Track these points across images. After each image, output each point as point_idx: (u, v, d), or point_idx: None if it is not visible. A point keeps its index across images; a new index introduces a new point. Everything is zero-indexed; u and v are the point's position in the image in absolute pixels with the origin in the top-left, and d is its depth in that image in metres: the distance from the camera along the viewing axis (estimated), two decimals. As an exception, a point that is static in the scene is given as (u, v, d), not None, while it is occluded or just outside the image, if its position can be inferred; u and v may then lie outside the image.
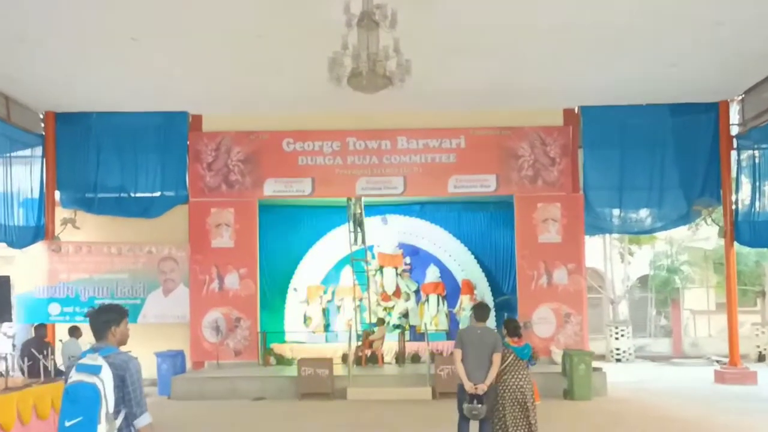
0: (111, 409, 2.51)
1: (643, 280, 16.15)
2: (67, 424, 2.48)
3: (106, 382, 2.51)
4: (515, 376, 5.28)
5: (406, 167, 10.57)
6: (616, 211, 10.75)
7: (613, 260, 14.87)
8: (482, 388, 5.10)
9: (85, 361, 2.60)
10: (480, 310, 5.35)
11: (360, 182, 10.57)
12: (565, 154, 10.56)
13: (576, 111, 10.66)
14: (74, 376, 2.56)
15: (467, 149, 10.53)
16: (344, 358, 9.88)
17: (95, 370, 2.52)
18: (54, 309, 10.16)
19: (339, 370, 9.32)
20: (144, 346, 9.39)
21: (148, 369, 9.42)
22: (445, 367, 8.73)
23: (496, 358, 5.14)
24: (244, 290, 10.52)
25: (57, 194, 10.52)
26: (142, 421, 2.65)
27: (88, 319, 2.77)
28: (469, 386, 5.13)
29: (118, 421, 2.57)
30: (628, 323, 14.28)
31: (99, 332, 2.72)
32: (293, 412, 8.28)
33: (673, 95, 10.19)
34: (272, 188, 10.57)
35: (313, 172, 10.53)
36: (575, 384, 8.98)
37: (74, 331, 7.78)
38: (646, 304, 15.92)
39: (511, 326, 5.48)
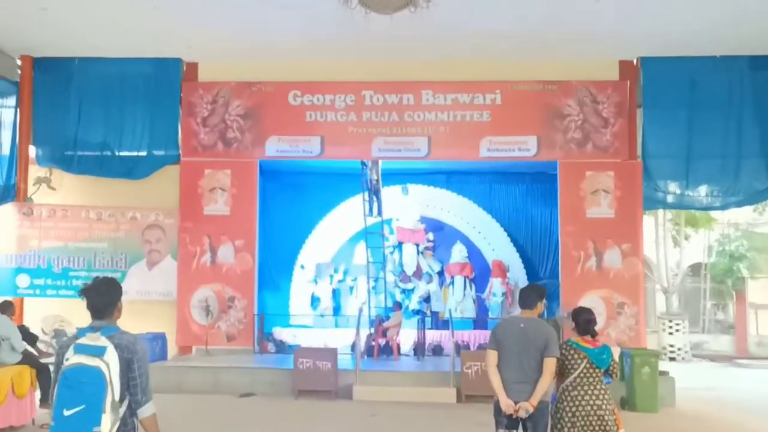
0: (117, 397, 2.37)
1: (695, 269, 14.98)
2: (66, 413, 2.31)
3: (111, 365, 2.36)
4: (590, 394, 3.83)
5: (430, 126, 9.63)
6: (680, 183, 9.61)
7: (666, 244, 13.54)
8: (527, 408, 3.60)
9: (84, 341, 2.41)
10: (528, 294, 3.87)
11: (377, 142, 9.65)
12: (621, 114, 9.51)
13: (635, 63, 9.64)
14: (73, 359, 2.38)
15: (504, 106, 9.58)
16: (354, 348, 9.00)
17: (98, 352, 2.36)
18: (22, 281, 9.42)
19: (346, 362, 8.30)
20: (124, 327, 8.71)
21: None
22: (474, 363, 7.73)
23: (550, 363, 3.65)
24: (240, 265, 9.67)
25: (31, 150, 9.82)
26: (147, 411, 2.51)
27: (84, 296, 2.54)
28: (507, 404, 3.63)
29: (122, 410, 2.43)
30: (683, 316, 12.93)
31: (104, 310, 2.54)
32: (285, 413, 7.28)
33: (754, 45, 9.11)
34: (275, 148, 9.73)
35: (323, 130, 9.68)
36: (637, 392, 7.72)
37: (6, 308, 6.71)
38: (698, 296, 14.55)
39: (581, 318, 4.00)
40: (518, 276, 10.93)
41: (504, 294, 10.65)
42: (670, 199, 9.83)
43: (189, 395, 7.95)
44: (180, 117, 9.76)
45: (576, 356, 3.86)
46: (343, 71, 9.67)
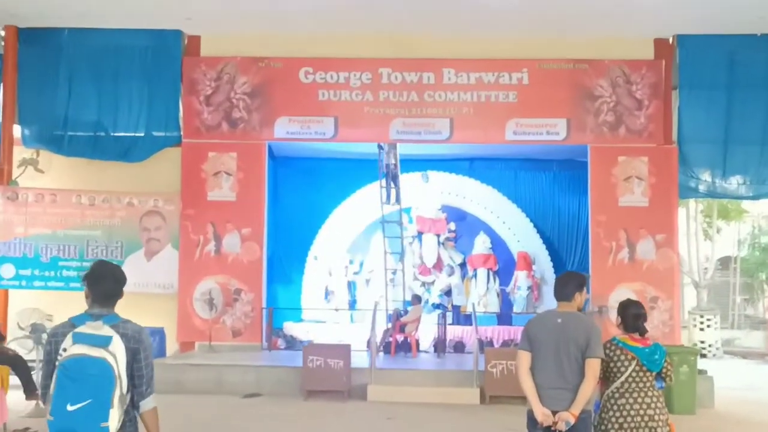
0: (125, 390, 2.35)
1: (724, 262, 15.13)
2: (70, 408, 2.25)
3: (119, 357, 2.32)
4: (639, 401, 3.48)
5: (453, 107, 9.53)
6: (717, 171, 9.52)
7: (697, 236, 13.66)
8: (567, 419, 3.24)
9: (84, 330, 2.36)
10: (565, 283, 3.48)
11: (395, 124, 9.53)
12: (656, 95, 9.43)
13: (671, 41, 9.55)
14: (73, 349, 2.32)
15: (531, 86, 9.49)
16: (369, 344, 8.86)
17: (103, 342, 2.31)
18: (7, 271, 9.17)
19: (361, 360, 8.15)
20: None
21: None
22: (499, 362, 7.62)
23: (593, 365, 3.29)
24: (247, 255, 9.54)
25: (16, 130, 9.55)
26: (149, 403, 2.50)
27: (87, 282, 2.51)
28: (543, 415, 3.27)
29: (126, 404, 2.40)
30: (715, 311, 12.83)
31: (109, 297, 2.51)
32: (292, 415, 7.12)
33: (798, 23, 9.05)
34: (285, 129, 9.60)
35: (337, 110, 9.56)
36: (674, 392, 7.58)
37: None
38: (727, 290, 14.47)
39: (629, 312, 3.62)
40: (544, 268, 10.96)
41: (529, 287, 10.66)
42: (705, 187, 9.74)
43: (189, 395, 7.77)
44: (181, 95, 9.58)
45: (623, 357, 3.53)
46: (359, 47, 9.54)
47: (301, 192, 11.19)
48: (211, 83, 9.56)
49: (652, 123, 9.36)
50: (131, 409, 2.46)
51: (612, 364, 3.52)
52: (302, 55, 9.55)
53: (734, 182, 9.56)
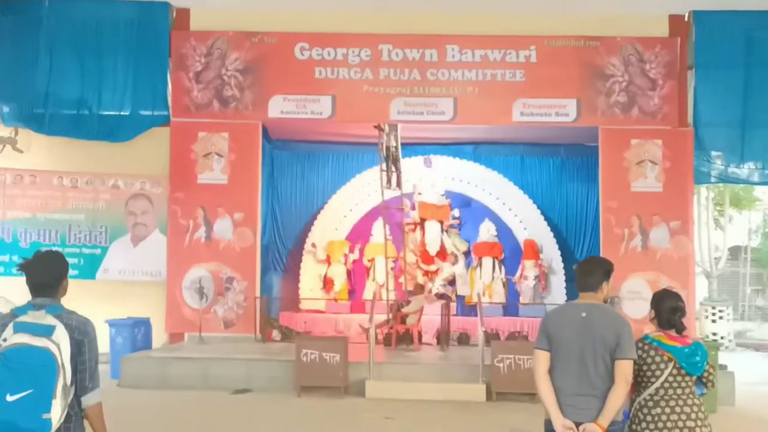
0: (68, 381, 2.28)
1: (734, 252, 14.84)
2: (10, 398, 2.18)
3: (62, 347, 2.26)
4: (677, 411, 2.96)
5: (457, 86, 9.21)
6: (734, 155, 9.18)
7: (709, 225, 13.35)
8: None
9: (26, 319, 2.30)
10: (589, 271, 2.99)
11: (395, 104, 9.21)
12: (671, 75, 9.09)
13: (687, 18, 9.19)
14: (13, 338, 2.25)
15: (539, 65, 9.16)
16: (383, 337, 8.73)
17: (46, 331, 2.25)
18: None
19: (359, 354, 7.65)
20: (104, 311, 8.16)
21: (100, 342, 8.15)
22: (506, 356, 7.22)
23: (625, 368, 2.80)
24: (240, 241, 9.20)
25: None
26: (92, 398, 2.40)
27: (23, 271, 2.43)
28: (562, 426, 2.81)
29: (71, 396, 2.33)
30: (727, 303, 12.50)
31: (49, 287, 2.43)
32: (284, 413, 6.68)
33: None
34: (279, 108, 9.27)
35: (335, 89, 9.24)
36: None
37: None
38: (737, 281, 14.16)
39: (665, 306, 3.07)
40: (552, 257, 10.61)
41: (537, 277, 10.32)
42: (721, 172, 9.43)
43: (173, 391, 7.36)
44: (169, 71, 9.30)
45: (658, 359, 2.97)
46: (358, 22, 9.26)
47: (298, 176, 11.02)
48: (201, 59, 9.21)
49: (666, 104, 9.05)
50: (78, 404, 2.39)
51: (645, 367, 2.97)
52: (298, 30, 9.24)
53: (752, 167, 9.23)
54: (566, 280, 10.49)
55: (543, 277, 10.38)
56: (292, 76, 9.17)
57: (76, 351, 2.33)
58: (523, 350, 7.10)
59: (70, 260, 9.08)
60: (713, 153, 9.15)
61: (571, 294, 10.23)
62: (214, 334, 8.92)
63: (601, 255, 8.88)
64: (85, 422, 2.43)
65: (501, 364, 7.22)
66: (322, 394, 7.19)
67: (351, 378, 7.34)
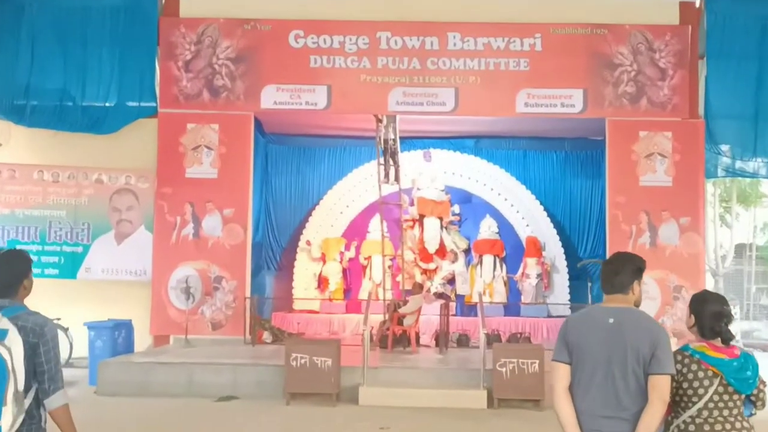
0: (20, 387, 2.17)
1: (738, 250, 14.69)
2: None
3: (14, 351, 2.17)
4: None
5: (458, 75, 8.89)
6: (747, 148, 8.85)
7: (715, 222, 13.23)
8: None
9: None
10: (618, 269, 2.52)
11: (394, 94, 8.89)
12: (681, 64, 8.80)
13: (698, 5, 8.96)
14: None
15: (545, 53, 8.86)
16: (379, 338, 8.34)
17: None
18: None
19: (353, 357, 7.18)
20: (85, 313, 7.86)
21: (79, 345, 7.90)
22: (509, 360, 6.73)
23: (662, 385, 2.36)
24: (229, 239, 8.86)
25: None
26: (55, 401, 2.33)
27: None
28: None
29: (28, 401, 2.26)
30: (734, 302, 12.35)
31: (7, 288, 2.38)
32: (271, 422, 6.25)
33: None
34: (273, 99, 8.96)
35: (330, 78, 8.93)
36: None
37: None
38: (741, 279, 13.88)
39: (708, 310, 2.60)
40: (555, 255, 10.31)
41: (539, 275, 10.01)
42: (729, 166, 9.16)
43: (154, 398, 6.89)
44: (157, 60, 9.03)
45: (702, 374, 2.52)
46: (355, 8, 9.10)
47: (293, 171, 10.75)
48: (191, 47, 8.90)
49: (676, 95, 8.76)
50: (35, 409, 2.34)
51: (686, 384, 2.52)
52: (292, 16, 8.95)
53: (761, 161, 8.85)
54: (569, 279, 10.22)
55: (546, 276, 10.09)
56: (286, 65, 8.87)
57: (31, 354, 2.26)
58: (527, 353, 6.70)
59: (51, 259, 8.79)
60: (724, 146, 8.81)
61: (576, 294, 9.94)
62: (202, 337, 8.54)
63: (608, 252, 8.62)
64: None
65: (503, 369, 6.72)
66: (312, 402, 6.74)
67: (343, 384, 6.87)
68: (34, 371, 2.28)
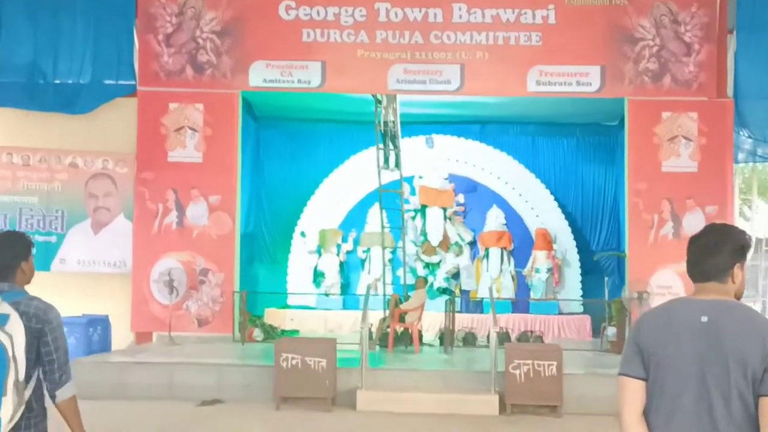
0: (21, 376, 2.06)
1: (755, 245, 13.55)
2: None
3: (15, 337, 2.06)
4: None
5: (464, 50, 8.27)
6: None
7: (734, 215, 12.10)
8: None
9: None
10: (714, 249, 1.80)
11: (394, 71, 8.28)
12: (708, 39, 8.23)
13: None
14: None
15: (558, 27, 8.29)
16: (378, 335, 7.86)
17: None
18: None
19: (351, 357, 6.69)
20: (60, 308, 6.78)
21: None
22: (524, 362, 6.13)
23: None
24: (216, 228, 8.29)
25: None
26: (66, 392, 2.23)
27: None
28: None
29: (27, 393, 2.15)
30: (755, 298, 11.81)
31: (5, 269, 2.29)
32: (258, 429, 5.81)
33: None
34: (262, 76, 8.35)
35: (325, 54, 8.31)
36: None
37: None
38: (756, 275, 13.20)
39: None
40: (566, 248, 9.95)
41: (549, 270, 9.62)
42: (751, 151, 8.68)
43: (131, 402, 6.37)
44: (136, 33, 8.44)
45: None
46: None
47: (287, 158, 10.30)
48: (172, 19, 8.29)
49: (703, 72, 8.17)
50: (35, 401, 2.21)
51: None
52: None
53: None
54: (582, 273, 9.78)
55: (556, 270, 9.69)
56: (276, 40, 8.26)
57: (35, 342, 2.18)
58: (544, 354, 6.09)
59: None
60: (755, 129, 8.18)
61: (588, 289, 9.45)
62: (187, 334, 7.98)
63: (627, 244, 8.15)
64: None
65: (517, 371, 6.10)
66: (305, 406, 6.21)
67: (340, 387, 6.33)
68: (37, 360, 2.19)
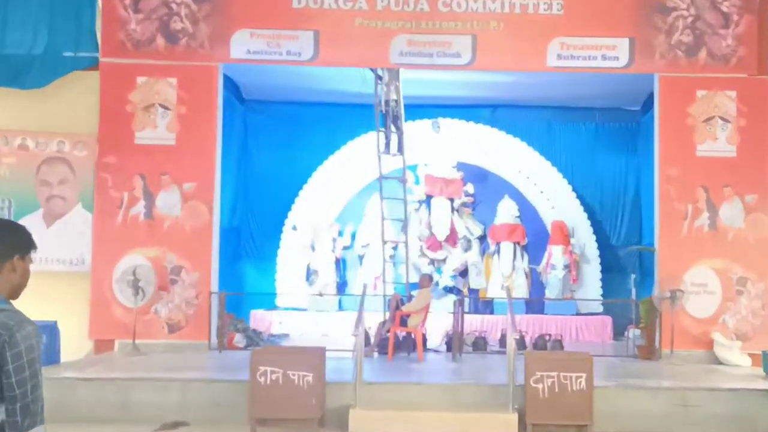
0: None
1: None
2: None
3: None
4: None
5: (476, 20, 7.47)
6: None
7: None
8: None
9: None
10: None
11: (397, 43, 7.48)
12: (749, 8, 7.56)
13: None
14: None
15: None
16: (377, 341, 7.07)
17: None
18: None
19: (344, 369, 5.82)
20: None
21: None
22: (548, 374, 5.30)
23: None
24: (191, 219, 7.36)
25: None
26: None
27: None
28: None
29: None
30: None
31: None
32: None
33: None
34: (245, 47, 7.47)
35: (318, 23, 7.47)
36: None
37: None
38: None
39: None
40: (585, 243, 9.34)
41: (567, 266, 9.00)
42: None
43: (79, 426, 5.42)
44: None
45: None
46: None
47: (276, 144, 9.59)
48: None
49: (742, 46, 7.44)
50: None
51: None
52: None
53: None
54: (602, 271, 9.05)
55: (574, 267, 9.06)
56: (263, 5, 7.45)
57: None
58: (571, 365, 5.18)
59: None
60: None
61: (609, 288, 8.80)
62: (156, 341, 7.00)
63: (657, 237, 7.29)
64: None
65: (539, 385, 5.20)
66: (287, 428, 5.32)
67: (329, 404, 5.42)
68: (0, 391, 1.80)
